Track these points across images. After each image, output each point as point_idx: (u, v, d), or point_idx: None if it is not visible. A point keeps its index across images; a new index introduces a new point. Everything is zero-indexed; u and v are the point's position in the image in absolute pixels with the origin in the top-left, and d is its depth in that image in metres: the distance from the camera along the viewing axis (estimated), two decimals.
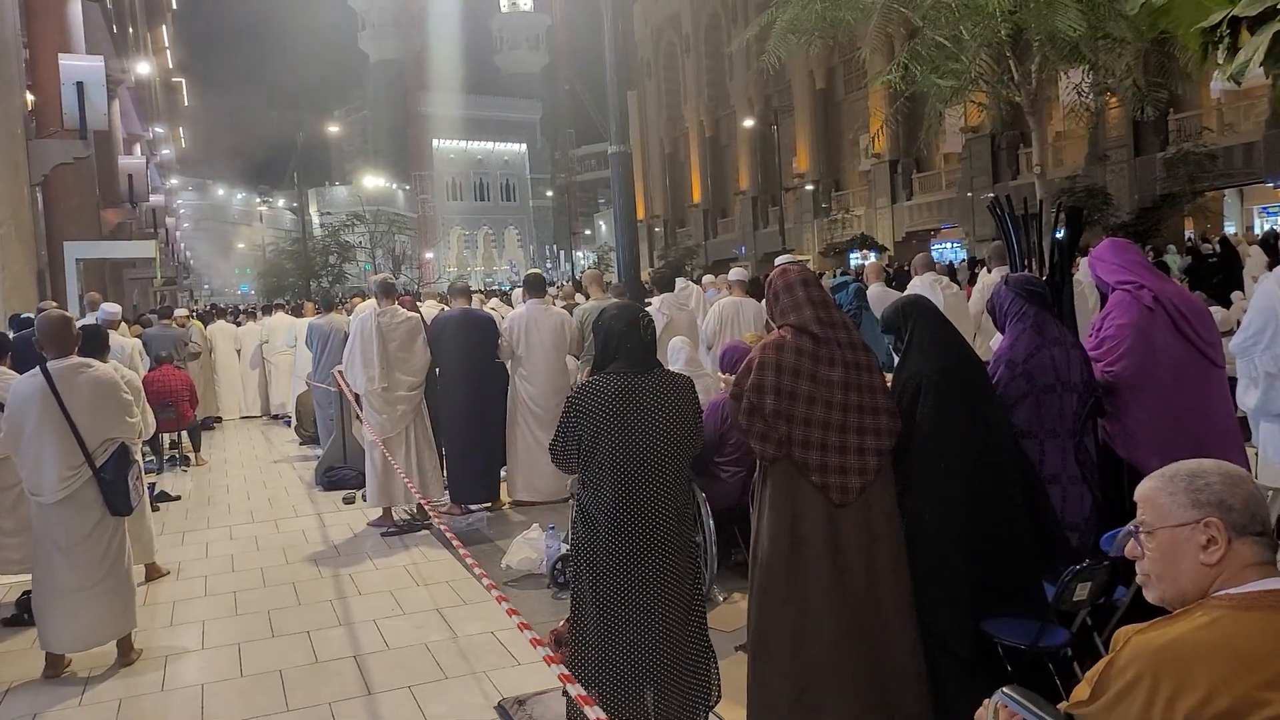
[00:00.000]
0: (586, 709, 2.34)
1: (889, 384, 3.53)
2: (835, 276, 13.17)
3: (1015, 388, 3.65)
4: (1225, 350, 6.11)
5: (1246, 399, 4.75)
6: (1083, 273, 9.86)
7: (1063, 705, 1.81)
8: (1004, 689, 1.95)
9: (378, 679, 4.39)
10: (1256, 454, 4.73)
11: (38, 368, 4.40)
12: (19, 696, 4.39)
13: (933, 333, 3.47)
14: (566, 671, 2.68)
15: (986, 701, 2.02)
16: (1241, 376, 4.81)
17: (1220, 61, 4.01)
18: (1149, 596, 1.80)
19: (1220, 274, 15.90)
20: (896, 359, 3.58)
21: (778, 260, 8.56)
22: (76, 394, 4.37)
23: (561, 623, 4.61)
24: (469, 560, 3.86)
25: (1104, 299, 4.45)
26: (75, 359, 4.49)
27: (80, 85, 12.93)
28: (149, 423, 5.83)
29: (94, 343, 5.50)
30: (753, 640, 3.34)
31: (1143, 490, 1.77)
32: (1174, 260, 18.51)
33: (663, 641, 3.14)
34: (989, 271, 8.25)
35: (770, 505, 3.27)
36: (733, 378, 4.22)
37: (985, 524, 3.28)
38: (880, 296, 8.30)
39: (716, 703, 3.26)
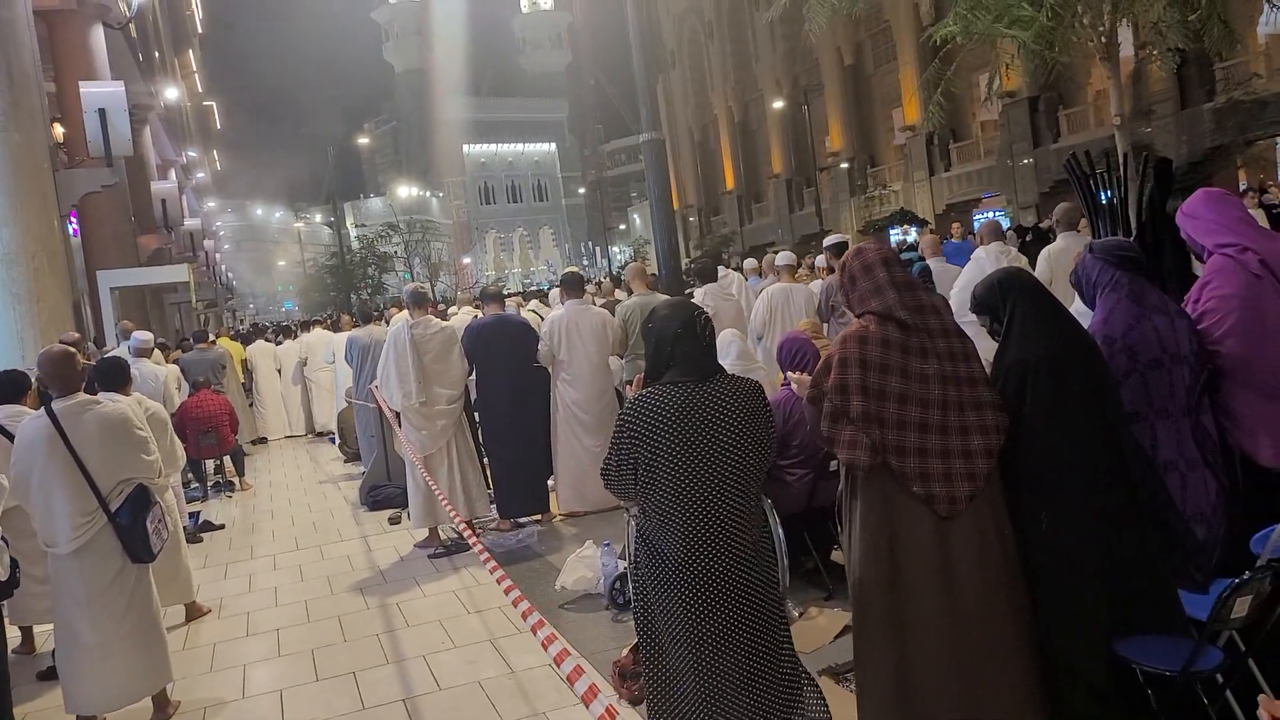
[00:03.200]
0: None
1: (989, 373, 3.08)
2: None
3: (1116, 365, 3.13)
4: None
5: None
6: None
7: None
8: None
9: None
10: None
11: (42, 408, 4.08)
12: None
13: (1037, 311, 2.99)
14: None
15: None
16: None
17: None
18: None
19: None
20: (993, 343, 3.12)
21: (827, 242, 8.06)
22: (85, 434, 4.04)
23: (625, 652, 4.23)
24: (507, 590, 3.43)
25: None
26: (81, 396, 4.16)
27: (102, 112, 12.80)
28: (176, 457, 5.56)
29: (112, 375, 5.21)
30: (856, 671, 2.94)
31: None
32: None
33: (755, 682, 2.72)
34: (1054, 238, 7.68)
35: (864, 521, 2.84)
36: (801, 375, 3.79)
37: (1113, 528, 2.81)
38: (936, 272, 7.79)
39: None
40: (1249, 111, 23.89)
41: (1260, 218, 14.09)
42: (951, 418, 2.77)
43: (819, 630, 4.38)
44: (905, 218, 36.34)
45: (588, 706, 2.31)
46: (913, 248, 7.74)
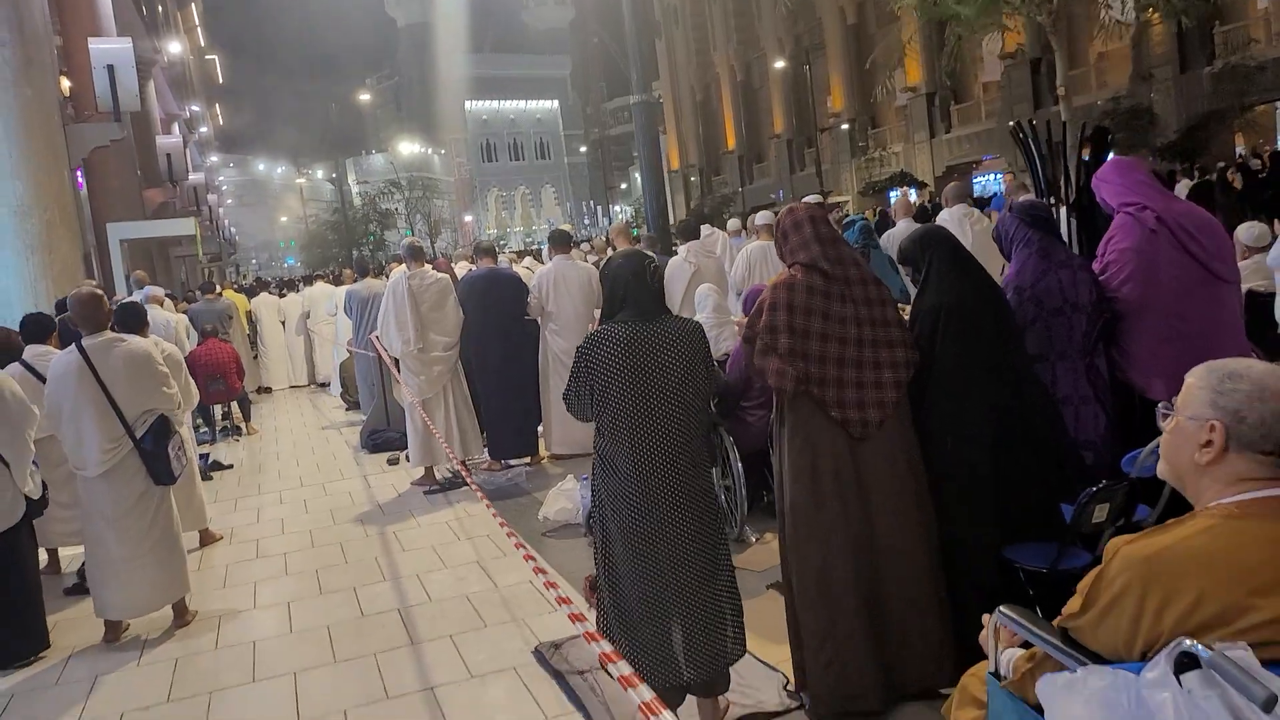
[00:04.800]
0: (610, 665, 2.37)
1: (906, 317, 3.51)
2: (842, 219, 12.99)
3: (1024, 312, 3.63)
4: (1265, 264, 5.96)
5: None
6: None
7: (1056, 620, 1.82)
8: (1001, 608, 1.97)
9: (421, 629, 4.52)
10: None
11: (74, 345, 4.53)
12: (81, 661, 4.60)
13: (951, 263, 3.43)
14: (593, 629, 2.72)
15: (986, 618, 2.05)
16: None
17: None
18: (1158, 469, 1.81)
19: (1271, 189, 15.40)
20: (914, 291, 3.56)
21: (804, 199, 8.47)
22: (112, 368, 4.50)
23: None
24: (495, 517, 3.94)
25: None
26: (109, 334, 4.62)
27: (111, 68, 13.10)
28: (191, 395, 6.01)
29: (131, 318, 5.65)
30: (785, 578, 3.40)
31: (1189, 374, 1.77)
32: (1184, 187, 17.70)
33: (690, 582, 3.18)
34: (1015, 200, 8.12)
35: (790, 444, 3.29)
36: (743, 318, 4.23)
37: (1007, 450, 3.27)
38: (905, 233, 8.20)
39: (742, 642, 3.31)
40: (1247, 76, 24.01)
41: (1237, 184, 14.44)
42: (866, 354, 3.21)
43: (771, 552, 4.84)
44: (905, 179, 36.53)
45: (558, 608, 2.77)
46: (854, 223, 8.23)
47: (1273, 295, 5.76)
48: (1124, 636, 1.65)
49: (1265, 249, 6.00)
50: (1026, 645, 1.96)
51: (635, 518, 3.12)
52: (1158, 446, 3.11)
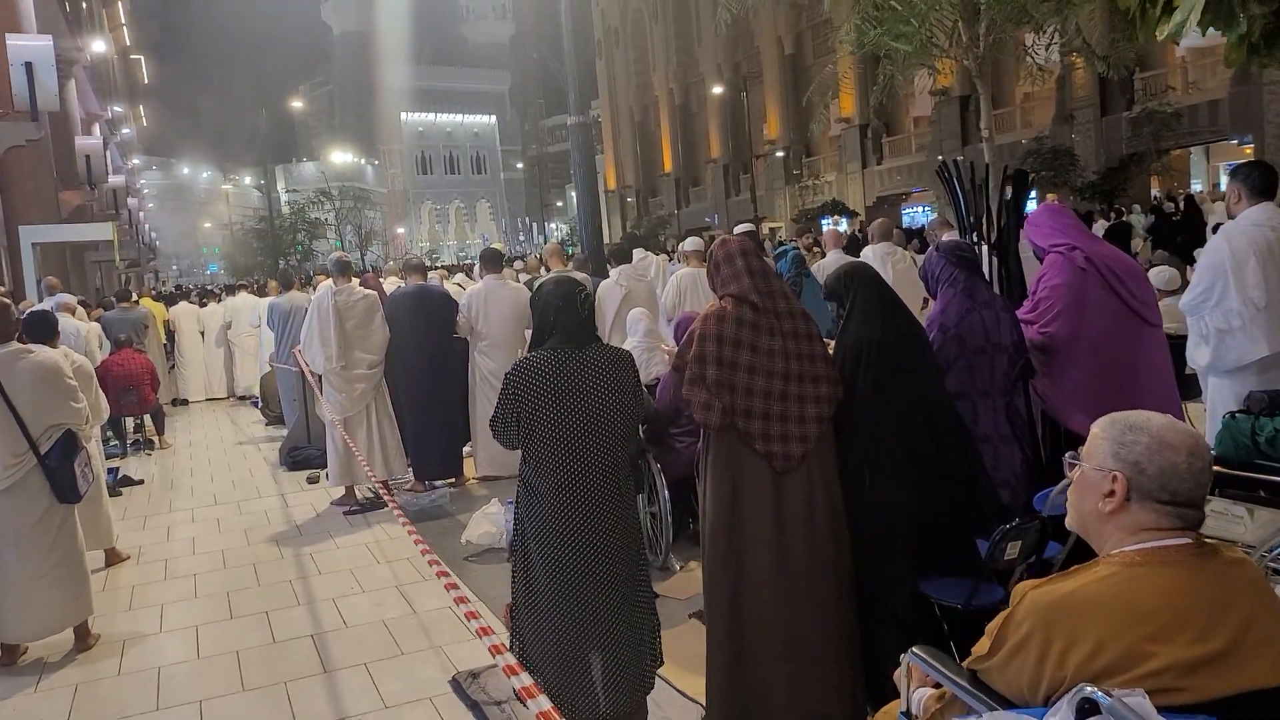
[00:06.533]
0: (530, 700, 2.33)
1: (831, 351, 3.56)
2: (775, 245, 13.15)
3: (948, 351, 3.70)
4: (1177, 308, 6.19)
5: (1197, 355, 4.80)
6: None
7: (966, 661, 1.85)
8: (914, 648, 2.00)
9: (334, 657, 4.41)
10: (1206, 410, 4.80)
11: None
12: None
13: (874, 300, 3.48)
14: (514, 662, 2.67)
15: (902, 657, 2.07)
16: (1192, 334, 4.86)
17: (1155, 24, 4.03)
18: (1066, 520, 1.84)
19: (1183, 232, 16.06)
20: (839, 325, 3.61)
21: (735, 230, 8.57)
22: (17, 380, 4.32)
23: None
24: (416, 541, 3.86)
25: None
26: (15, 345, 4.44)
27: (29, 66, 12.69)
28: (100, 409, 5.79)
29: (41, 328, 5.43)
30: (705, 604, 3.39)
31: (1095, 424, 1.81)
32: (1138, 220, 18.68)
33: (611, 610, 3.17)
34: (937, 239, 8.34)
35: (713, 473, 3.30)
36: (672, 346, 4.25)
37: (924, 487, 3.32)
38: (836, 264, 8.32)
39: (658, 667, 3.30)
40: (1164, 122, 25.08)
41: (1221, 209, 15.03)
42: (791, 388, 3.24)
43: (695, 580, 4.81)
44: (836, 208, 37.23)
45: (479, 638, 2.72)
46: (787, 252, 8.35)
47: (1184, 338, 5.97)
48: (1029, 680, 1.68)
49: (1176, 292, 6.23)
50: (938, 685, 1.99)
51: (558, 546, 3.10)
52: (1074, 453, 3.22)
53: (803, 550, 3.21)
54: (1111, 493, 1.70)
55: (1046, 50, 12.92)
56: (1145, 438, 1.68)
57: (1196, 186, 27.03)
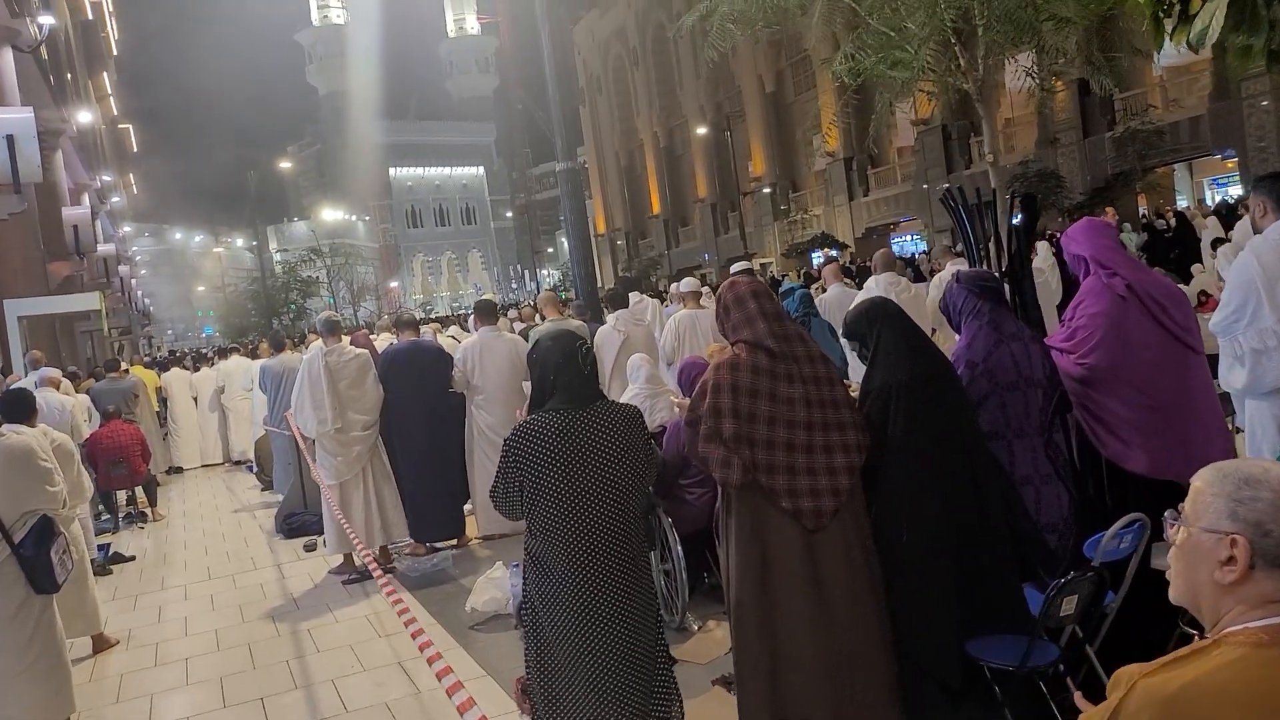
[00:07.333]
0: None
1: (854, 394, 3.32)
2: (783, 282, 12.94)
3: (977, 388, 3.44)
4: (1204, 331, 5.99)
5: (1231, 378, 4.55)
6: (1041, 258, 9.73)
7: None
8: None
9: None
10: (1240, 432, 4.56)
11: None
12: None
13: (901, 338, 3.25)
14: None
15: None
16: (1224, 355, 4.62)
17: (1170, 32, 3.84)
18: (1170, 592, 1.57)
19: (1176, 248, 15.93)
20: (851, 363, 3.38)
21: (732, 269, 8.36)
22: None
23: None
24: (408, 623, 3.58)
25: (1068, 283, 4.27)
26: None
27: (10, 138, 12.52)
28: (82, 489, 5.54)
29: (17, 408, 5.19)
30: (736, 676, 3.13)
31: (1196, 478, 1.52)
32: (1130, 239, 18.57)
33: (632, 688, 2.90)
34: (941, 269, 8.13)
35: (738, 537, 3.04)
36: (684, 400, 4.01)
37: (966, 539, 3.07)
38: (838, 298, 8.10)
39: None
40: (1146, 140, 25.19)
41: (1214, 223, 14.94)
42: (816, 438, 2.99)
43: (715, 642, 4.57)
44: (826, 241, 37.26)
45: None
46: (793, 291, 8.14)
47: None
48: None
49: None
50: None
51: (574, 626, 2.84)
52: (1122, 529, 2.94)
53: (843, 613, 2.94)
54: (1231, 559, 1.44)
55: (1042, 71, 12.82)
56: (1268, 493, 1.41)
57: (1183, 202, 27.06)
